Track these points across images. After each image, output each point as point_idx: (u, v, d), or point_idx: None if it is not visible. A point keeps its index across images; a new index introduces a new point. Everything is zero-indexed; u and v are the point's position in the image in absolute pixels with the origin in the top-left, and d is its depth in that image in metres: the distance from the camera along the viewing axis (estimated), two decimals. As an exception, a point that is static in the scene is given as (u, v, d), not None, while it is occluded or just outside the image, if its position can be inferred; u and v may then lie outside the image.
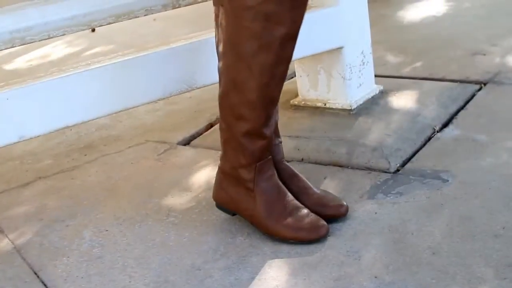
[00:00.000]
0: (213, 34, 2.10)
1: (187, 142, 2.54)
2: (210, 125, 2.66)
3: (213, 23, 1.88)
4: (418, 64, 2.98)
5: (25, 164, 2.55)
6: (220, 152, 1.88)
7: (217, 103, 2.68)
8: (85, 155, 2.55)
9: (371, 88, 2.58)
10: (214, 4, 1.90)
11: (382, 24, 3.67)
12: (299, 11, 1.68)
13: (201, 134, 2.60)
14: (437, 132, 2.33)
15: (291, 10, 1.65)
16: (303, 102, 2.58)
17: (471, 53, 3.05)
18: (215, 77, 2.07)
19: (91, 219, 2.07)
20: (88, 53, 4.03)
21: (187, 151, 2.45)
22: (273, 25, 1.65)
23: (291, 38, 1.69)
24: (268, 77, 1.70)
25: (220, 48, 1.78)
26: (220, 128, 1.85)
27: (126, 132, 2.70)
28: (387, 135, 2.28)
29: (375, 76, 2.65)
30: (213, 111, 2.75)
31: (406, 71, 2.91)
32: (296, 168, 2.11)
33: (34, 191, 2.31)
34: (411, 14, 3.86)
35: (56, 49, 4.26)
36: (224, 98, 1.78)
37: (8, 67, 4.01)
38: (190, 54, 2.13)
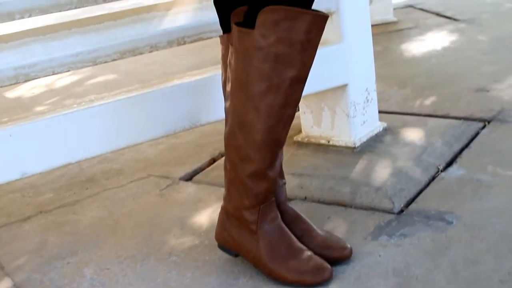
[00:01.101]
0: (217, 71, 2.10)
1: (189, 178, 2.52)
2: (213, 160, 2.64)
3: (216, 57, 1.87)
4: (422, 100, 2.97)
5: (26, 197, 2.54)
6: (223, 190, 1.86)
7: (219, 137, 2.71)
8: (87, 189, 2.53)
9: (375, 125, 2.57)
10: (221, 43, 1.90)
11: (385, 58, 3.67)
12: (310, 53, 1.67)
13: (203, 169, 2.58)
14: (441, 171, 2.32)
15: (301, 53, 1.65)
16: (306, 139, 2.57)
17: (475, 89, 3.04)
18: (219, 115, 2.07)
19: (92, 257, 2.05)
20: (91, 81, 4.03)
21: (190, 187, 2.43)
22: (283, 66, 1.64)
23: (300, 80, 1.68)
24: (276, 119, 1.69)
25: (228, 88, 1.77)
26: (225, 168, 1.83)
27: (128, 166, 2.69)
28: (391, 174, 2.27)
29: (379, 112, 2.64)
30: (216, 145, 2.74)
31: (409, 107, 2.90)
32: (299, 207, 2.11)
33: (34, 226, 2.29)
34: (415, 47, 3.86)
35: (59, 77, 4.25)
36: (230, 138, 1.77)
37: (11, 95, 4.01)
38: (194, 92, 2.12)
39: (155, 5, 2.12)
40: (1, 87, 1.91)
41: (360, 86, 2.46)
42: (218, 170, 2.53)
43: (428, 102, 2.94)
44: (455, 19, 4.41)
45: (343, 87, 2.42)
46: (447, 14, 4.57)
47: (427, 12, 4.72)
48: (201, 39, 2.12)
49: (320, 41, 2.20)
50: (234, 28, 1.69)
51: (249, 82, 1.67)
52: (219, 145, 2.73)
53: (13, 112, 3.62)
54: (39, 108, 3.59)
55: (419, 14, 4.70)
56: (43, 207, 2.43)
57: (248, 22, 1.65)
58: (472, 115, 2.75)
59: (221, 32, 1.91)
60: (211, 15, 2.10)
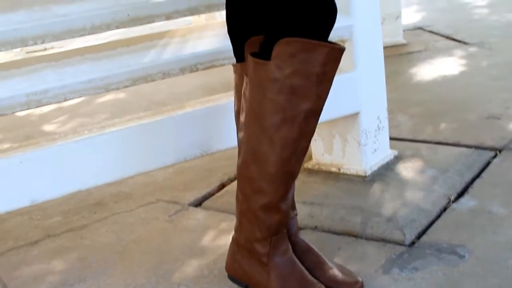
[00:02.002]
0: (229, 98, 2.09)
1: (198, 203, 2.51)
2: (222, 186, 2.63)
3: (226, 78, 1.85)
4: (432, 126, 2.96)
5: (34, 220, 2.53)
6: (233, 218, 1.85)
7: (228, 162, 2.70)
8: (95, 213, 2.52)
9: (386, 153, 2.55)
10: (235, 72, 1.89)
11: (395, 82, 3.65)
12: (325, 86, 1.66)
13: (213, 194, 2.57)
14: (453, 202, 2.30)
15: (317, 85, 1.63)
16: (317, 166, 2.56)
17: (485, 117, 3.03)
18: (230, 143, 2.06)
19: (100, 284, 2.03)
20: (99, 100, 4.01)
21: (199, 214, 2.42)
22: (298, 99, 1.63)
23: (315, 113, 1.67)
24: (290, 151, 1.68)
25: (242, 119, 1.76)
26: (237, 199, 1.82)
27: (137, 190, 2.67)
28: (402, 205, 2.25)
29: (390, 139, 2.63)
30: (225, 170, 2.73)
31: (420, 134, 2.89)
32: (309, 236, 2.09)
33: (42, 250, 2.28)
34: (425, 71, 3.85)
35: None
36: (243, 170, 1.75)
37: (19, 112, 3.98)
38: (206, 119, 2.11)
39: (168, 31, 2.11)
40: (13, 113, 1.89)
41: (371, 114, 2.45)
42: (228, 196, 2.51)
43: (438, 129, 2.92)
44: (464, 43, 4.40)
45: (355, 115, 2.41)
46: (457, 37, 4.56)
47: (437, 35, 4.71)
48: (213, 66, 2.11)
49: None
50: (250, 59, 1.68)
51: (264, 114, 1.66)
52: (229, 170, 2.71)
53: (22, 130, 3.62)
54: (47, 127, 3.58)
55: (429, 36, 4.69)
56: (51, 231, 2.42)
57: (264, 53, 1.65)
58: (483, 143, 2.73)
59: (234, 60, 1.90)
60: (224, 43, 2.09)
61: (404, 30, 4.70)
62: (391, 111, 2.68)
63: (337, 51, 1.64)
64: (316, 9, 1.60)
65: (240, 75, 1.86)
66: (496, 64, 3.83)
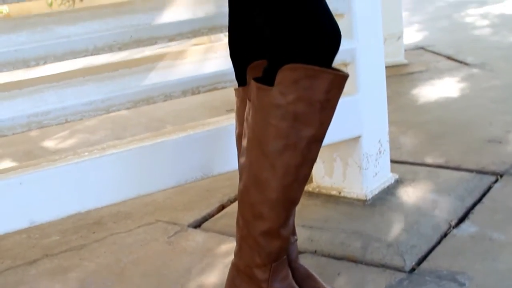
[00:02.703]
0: (230, 121, 2.09)
1: (198, 225, 2.49)
2: (222, 207, 2.62)
3: (226, 95, 1.84)
4: (433, 149, 2.95)
5: (32, 239, 2.51)
6: (232, 240, 1.83)
7: (228, 182, 2.69)
8: (94, 232, 2.51)
9: (387, 177, 2.55)
10: (237, 96, 1.88)
11: (397, 103, 3.65)
12: (328, 113, 1.65)
13: (212, 215, 2.56)
14: (453, 227, 2.29)
15: (320, 112, 1.62)
16: (317, 189, 2.55)
17: (486, 140, 3.02)
18: (231, 165, 2.06)
19: (98, 307, 2.02)
20: (100, 117, 3.99)
21: (198, 235, 2.41)
22: (301, 125, 1.62)
23: (318, 139, 1.66)
24: (292, 177, 1.67)
25: (244, 144, 1.74)
26: (237, 224, 1.81)
27: (136, 209, 2.66)
28: (402, 230, 2.24)
29: (391, 161, 2.62)
30: (225, 191, 2.72)
31: (421, 157, 2.88)
32: (309, 261, 2.08)
33: (40, 270, 2.27)
34: (426, 92, 3.85)
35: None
36: (244, 195, 1.74)
37: (19, 127, 3.98)
38: (207, 142, 2.10)
39: (170, 53, 2.10)
40: (13, 134, 1.88)
41: (373, 137, 2.44)
42: (227, 217, 2.50)
43: (439, 152, 2.91)
44: (466, 63, 4.40)
45: (356, 138, 2.40)
46: (458, 57, 4.56)
47: (438, 55, 4.71)
48: (215, 89, 2.11)
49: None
50: (253, 84, 1.67)
51: (266, 140, 1.65)
52: (229, 191, 2.71)
53: (21, 146, 3.61)
54: (47, 143, 3.58)
55: (430, 56, 4.69)
56: (49, 250, 2.40)
57: (267, 79, 1.64)
58: (484, 168, 2.72)
59: (236, 83, 1.90)
60: (226, 66, 2.09)
61: (405, 50, 4.70)
62: (392, 132, 2.67)
63: (341, 78, 1.63)
64: (320, 35, 1.59)
65: (242, 99, 1.85)
66: (497, 86, 3.83)
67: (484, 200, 2.48)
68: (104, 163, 1.97)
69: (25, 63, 1.85)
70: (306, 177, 1.70)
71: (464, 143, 3.01)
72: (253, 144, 1.69)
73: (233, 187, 2.68)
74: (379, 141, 2.47)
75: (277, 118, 1.62)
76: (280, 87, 1.60)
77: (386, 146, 2.52)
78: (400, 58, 4.55)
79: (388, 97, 2.55)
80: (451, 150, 2.93)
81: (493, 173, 2.67)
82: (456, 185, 2.57)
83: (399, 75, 4.26)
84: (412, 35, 5.34)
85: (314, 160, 1.69)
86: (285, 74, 1.59)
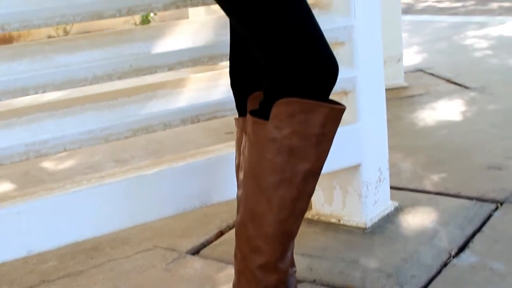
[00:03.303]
0: (230, 149, 2.08)
1: (196, 251, 2.48)
2: (221, 233, 2.61)
3: (226, 124, 1.83)
4: (433, 175, 2.94)
5: (29, 264, 2.49)
6: (230, 268, 1.82)
7: (227, 207, 2.67)
8: (92, 258, 2.49)
9: (386, 204, 2.54)
10: (237, 126, 1.87)
11: (396, 127, 3.64)
12: (325, 146, 1.64)
13: (211, 242, 2.55)
14: (453, 257, 2.28)
15: (316, 146, 1.61)
16: (316, 217, 2.54)
17: (486, 167, 3.01)
18: (230, 194, 2.04)
19: (95, 337, 2.00)
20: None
21: (196, 262, 2.39)
22: (296, 160, 1.61)
23: (314, 173, 1.65)
24: (288, 212, 1.66)
25: (241, 176, 1.74)
26: (235, 257, 1.79)
27: (134, 235, 2.64)
28: (402, 260, 2.23)
29: (390, 187, 2.61)
30: (223, 217, 2.71)
31: (420, 183, 2.87)
32: (308, 291, 2.06)
33: (37, 297, 2.25)
34: (425, 117, 3.84)
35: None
36: (241, 228, 1.73)
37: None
38: (206, 170, 2.10)
39: (170, 82, 2.10)
40: (11, 163, 1.87)
41: (373, 166, 2.43)
42: (226, 244, 2.49)
43: (439, 178, 2.91)
44: (465, 87, 4.39)
45: (356, 166, 2.39)
46: (458, 80, 4.55)
47: (437, 78, 4.70)
48: (215, 117, 2.10)
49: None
50: (249, 117, 1.66)
51: (262, 174, 1.64)
52: (227, 217, 2.69)
53: (20, 166, 3.58)
54: (46, 164, 3.56)
55: (429, 79, 4.68)
56: (46, 276, 2.39)
57: (263, 112, 1.63)
58: (484, 195, 2.71)
59: (235, 111, 1.89)
60: (226, 94, 2.08)
61: (405, 72, 4.69)
62: (391, 158, 2.66)
63: (337, 111, 1.62)
64: (316, 68, 1.58)
65: (242, 129, 1.84)
66: (497, 111, 3.82)
67: (484, 228, 2.47)
68: (102, 192, 1.96)
69: (24, 92, 1.84)
70: (303, 210, 1.69)
71: (464, 169, 3.00)
72: (249, 178, 1.68)
73: (231, 213, 2.66)
74: (379, 169, 2.46)
75: (273, 152, 1.60)
76: (275, 121, 1.59)
77: (386, 174, 2.51)
78: (400, 81, 4.54)
79: (387, 121, 2.54)
80: (451, 176, 2.92)
81: (493, 201, 2.67)
82: (456, 213, 2.56)
83: (399, 98, 4.26)
84: (412, 57, 5.33)
85: (311, 193, 1.68)
86: (280, 108, 1.58)
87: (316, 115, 1.59)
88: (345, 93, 2.34)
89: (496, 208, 2.61)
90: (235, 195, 1.89)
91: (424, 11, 8.35)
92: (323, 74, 1.60)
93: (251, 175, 1.67)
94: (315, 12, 2.17)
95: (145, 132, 2.01)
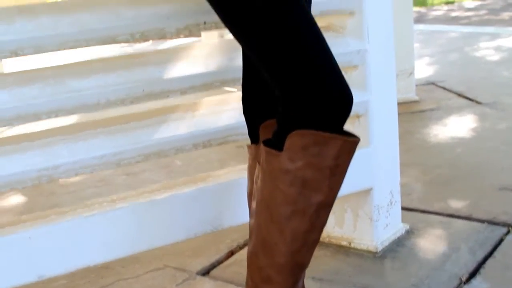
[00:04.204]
0: (241, 174, 2.07)
1: (206, 272, 2.47)
2: (231, 253, 2.60)
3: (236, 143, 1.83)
4: (444, 196, 2.93)
5: (39, 282, 2.48)
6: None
7: (237, 227, 2.65)
8: (102, 277, 2.49)
9: (398, 227, 2.53)
10: (249, 153, 1.86)
11: (407, 143, 3.63)
12: (338, 178, 1.63)
13: (221, 262, 2.54)
14: (464, 283, 2.27)
15: (330, 178, 1.60)
16: (327, 239, 2.53)
17: (498, 187, 3.00)
18: (242, 218, 2.04)
19: None
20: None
21: (206, 284, 2.38)
22: (310, 191, 1.60)
23: (328, 205, 1.64)
24: (300, 243, 1.65)
25: (253, 205, 1.73)
26: (247, 284, 1.79)
27: (144, 253, 2.60)
28: (413, 285, 2.22)
29: (401, 208, 2.60)
30: (234, 236, 2.70)
31: (432, 204, 2.86)
32: (318, 317, 2.05)
33: (47, 317, 2.25)
34: (437, 133, 3.83)
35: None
36: (252, 258, 1.72)
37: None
38: (217, 195, 2.09)
39: (181, 105, 2.09)
40: (23, 187, 1.87)
41: (384, 189, 2.43)
42: (236, 265, 2.48)
43: (450, 199, 2.89)
44: (477, 102, 4.38)
45: (368, 190, 2.38)
46: (469, 95, 4.54)
47: (449, 92, 4.69)
48: (227, 142, 2.10)
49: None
50: (262, 147, 1.66)
51: (274, 204, 1.63)
52: (237, 236, 2.69)
53: (28, 192, 3.57)
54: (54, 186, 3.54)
55: (441, 93, 4.68)
56: (56, 296, 2.39)
57: (277, 143, 1.62)
58: (496, 218, 2.70)
59: (247, 136, 1.88)
60: (238, 119, 2.08)
61: (416, 85, 4.69)
62: (402, 175, 2.64)
63: (351, 144, 1.61)
64: (330, 99, 1.56)
65: (254, 156, 1.84)
66: (509, 128, 3.81)
67: (495, 254, 2.45)
68: (114, 217, 1.96)
69: (37, 117, 1.84)
70: (315, 241, 1.69)
71: (475, 190, 2.99)
72: (262, 208, 1.67)
73: (242, 232, 2.66)
74: (390, 191, 2.46)
75: (286, 183, 1.59)
76: (288, 153, 1.58)
77: (398, 197, 2.50)
78: (411, 95, 4.54)
79: (399, 136, 2.53)
80: (462, 197, 2.91)
81: (504, 224, 2.65)
82: (467, 237, 2.55)
83: (410, 113, 4.25)
84: (423, 69, 5.33)
85: (323, 225, 1.67)
86: (293, 140, 1.57)
87: (330, 147, 1.57)
88: (358, 116, 2.34)
89: (508, 232, 2.60)
90: (246, 220, 1.89)
91: (436, 20, 8.35)
92: (337, 105, 1.58)
93: (263, 205, 1.67)
94: (329, 35, 2.17)
95: (156, 156, 2.01)
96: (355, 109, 2.17)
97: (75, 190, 3.41)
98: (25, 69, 1.90)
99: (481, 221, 2.69)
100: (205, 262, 2.55)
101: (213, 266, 2.53)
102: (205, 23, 1.99)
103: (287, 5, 1.54)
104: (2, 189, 1.84)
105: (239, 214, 2.11)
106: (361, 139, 2.23)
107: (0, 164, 1.84)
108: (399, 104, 4.18)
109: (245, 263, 1.78)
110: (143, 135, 1.99)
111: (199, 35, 4.74)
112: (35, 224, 1.90)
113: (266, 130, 1.73)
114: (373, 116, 2.34)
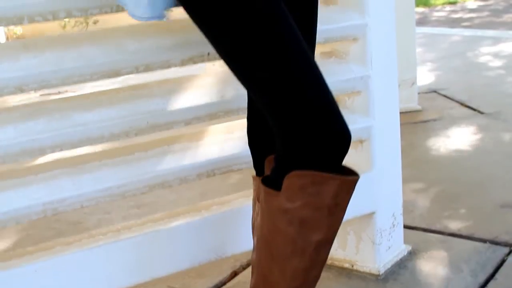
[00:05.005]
0: (244, 202, 2.09)
1: (210, 294, 2.50)
2: (234, 273, 2.62)
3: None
4: (446, 214, 2.94)
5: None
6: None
7: (241, 248, 2.68)
8: (106, 300, 2.50)
9: (400, 249, 2.54)
10: (254, 184, 1.86)
11: (409, 156, 3.64)
12: (338, 216, 1.63)
13: (225, 283, 2.56)
14: (466, 308, 2.28)
15: (329, 216, 1.60)
16: (330, 261, 2.54)
17: (500, 205, 3.01)
18: (246, 246, 2.06)
19: None
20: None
21: (210, 308, 2.40)
22: (308, 230, 1.59)
23: (327, 243, 1.65)
24: (301, 281, 1.66)
25: (255, 240, 1.74)
26: (250, 317, 1.80)
27: (148, 274, 2.65)
28: (415, 311, 2.23)
29: (403, 226, 2.62)
30: (237, 256, 2.70)
31: (434, 222, 2.88)
32: None
33: None
34: (439, 145, 3.84)
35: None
36: (255, 293, 1.74)
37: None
38: (221, 223, 2.11)
39: (185, 135, 2.11)
40: (28, 221, 1.89)
41: (387, 212, 2.44)
42: (239, 287, 2.50)
43: (452, 217, 2.91)
44: (480, 112, 4.39)
45: (370, 214, 2.40)
46: (472, 105, 4.55)
47: (452, 100, 4.70)
48: (231, 170, 2.11)
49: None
50: (261, 186, 1.66)
51: (274, 243, 1.63)
52: (241, 256, 2.69)
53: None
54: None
55: (443, 102, 4.69)
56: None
57: (275, 181, 1.61)
58: (497, 237, 2.71)
59: (251, 164, 1.89)
60: (242, 148, 2.09)
61: (418, 93, 4.69)
62: (404, 191, 2.64)
63: (350, 182, 1.60)
64: (329, 139, 1.54)
65: (259, 188, 1.84)
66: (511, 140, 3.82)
67: (497, 276, 2.47)
68: (119, 248, 1.98)
69: (42, 152, 1.86)
70: (316, 277, 1.69)
71: (477, 207, 3.00)
72: (262, 245, 1.68)
73: (245, 253, 2.67)
74: (393, 214, 2.47)
75: (284, 223, 1.59)
76: (287, 193, 1.57)
77: (400, 218, 2.51)
78: (414, 104, 4.55)
79: (401, 148, 2.54)
80: (464, 215, 2.92)
81: (505, 244, 2.67)
82: (469, 258, 2.56)
83: (413, 123, 4.26)
84: (425, 76, 5.34)
85: (324, 261, 1.68)
86: (291, 181, 1.56)
87: (329, 187, 1.56)
88: (361, 141, 2.35)
89: (509, 253, 2.61)
90: (249, 247, 1.90)
91: (438, 22, 8.34)
92: (336, 143, 1.56)
93: (264, 242, 1.68)
94: (332, 61, 2.19)
95: (161, 187, 2.02)
96: (358, 134, 2.20)
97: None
98: (30, 103, 1.91)
99: (483, 240, 2.71)
100: (208, 283, 2.56)
101: (217, 287, 2.55)
102: (209, 54, 1.99)
103: (282, 39, 1.52)
104: (8, 224, 1.85)
105: (242, 241, 2.13)
106: (364, 164, 2.27)
107: (5, 199, 1.85)
108: (401, 113, 4.18)
109: (248, 285, 1.79)
110: (147, 166, 2.00)
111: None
112: (41, 256, 1.92)
113: (271, 165, 1.74)
114: (376, 141, 2.35)
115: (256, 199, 1.82)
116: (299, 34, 1.57)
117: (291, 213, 1.58)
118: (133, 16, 1.68)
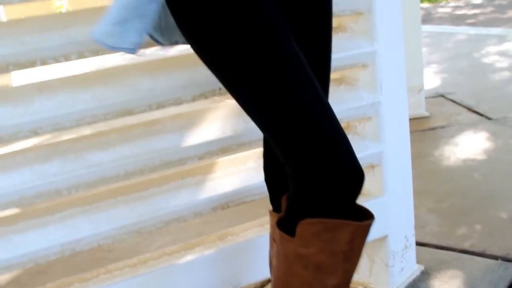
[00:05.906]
0: (259, 232, 2.11)
1: (225, 320, 2.50)
2: (249, 297, 2.63)
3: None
4: (457, 229, 2.95)
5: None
6: None
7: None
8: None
9: (413, 269, 2.56)
10: (271, 219, 1.85)
11: (419, 166, 3.65)
12: (353, 261, 1.63)
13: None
14: (480, 329, 2.30)
15: (344, 262, 1.60)
16: (344, 284, 2.55)
17: (511, 218, 3.02)
18: (261, 275, 2.08)
19: None
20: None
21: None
22: (324, 275, 1.59)
23: (344, 285, 1.65)
24: (317, 323, 1.66)
25: (272, 279, 1.75)
26: None
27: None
28: (430, 335, 2.25)
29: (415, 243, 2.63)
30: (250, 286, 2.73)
31: (445, 239, 2.88)
32: None
33: None
34: (448, 154, 3.85)
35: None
36: (273, 333, 1.75)
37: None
38: (236, 255, 2.13)
39: (199, 167, 2.12)
40: (46, 261, 1.91)
41: (399, 235, 2.46)
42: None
43: (463, 233, 2.92)
44: (487, 118, 4.39)
45: (383, 238, 2.41)
46: (479, 110, 4.56)
47: (459, 105, 4.70)
48: (244, 202, 2.12)
49: (362, 193, 2.20)
50: (276, 230, 1.65)
51: (291, 286, 1.64)
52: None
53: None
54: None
55: (451, 107, 4.69)
56: None
57: (289, 224, 1.60)
58: (509, 254, 2.72)
59: (265, 194, 1.89)
60: (256, 178, 2.11)
61: (426, 97, 4.69)
62: (416, 206, 2.63)
63: (364, 227, 1.59)
64: (342, 178, 1.52)
65: (275, 228, 1.85)
66: (523, 149, 3.83)
67: (509, 295, 2.48)
68: (136, 284, 1.99)
69: (58, 193, 1.88)
70: None
71: (488, 221, 3.01)
72: (279, 287, 1.68)
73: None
74: (405, 236, 2.49)
75: (300, 267, 1.59)
76: (300, 240, 1.56)
77: (412, 239, 2.53)
78: (421, 111, 4.56)
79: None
80: (476, 230, 2.93)
81: (517, 261, 2.68)
82: (481, 277, 2.57)
83: (421, 131, 4.27)
84: (432, 78, 5.34)
85: None
86: (304, 228, 1.55)
87: (342, 233, 1.55)
88: (372, 166, 2.36)
89: (522, 269, 2.63)
90: (264, 276, 1.92)
91: (442, 19, 8.32)
92: (348, 186, 1.54)
93: (280, 285, 1.68)
94: (342, 88, 2.20)
95: (176, 222, 2.04)
96: (369, 160, 2.22)
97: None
98: (43, 144, 1.93)
99: (495, 257, 2.72)
100: (224, 310, 2.57)
101: (231, 311, 2.56)
102: (220, 89, 2.01)
103: (292, 80, 1.51)
104: (27, 265, 1.87)
105: (258, 271, 2.14)
106: (376, 189, 2.28)
107: (24, 241, 1.87)
108: (409, 120, 4.20)
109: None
110: (162, 202, 2.02)
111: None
112: (60, 292, 1.94)
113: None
114: (388, 166, 2.37)
115: (273, 239, 1.83)
116: (310, 73, 1.55)
117: (306, 258, 1.58)
118: (103, 44, 1.53)
